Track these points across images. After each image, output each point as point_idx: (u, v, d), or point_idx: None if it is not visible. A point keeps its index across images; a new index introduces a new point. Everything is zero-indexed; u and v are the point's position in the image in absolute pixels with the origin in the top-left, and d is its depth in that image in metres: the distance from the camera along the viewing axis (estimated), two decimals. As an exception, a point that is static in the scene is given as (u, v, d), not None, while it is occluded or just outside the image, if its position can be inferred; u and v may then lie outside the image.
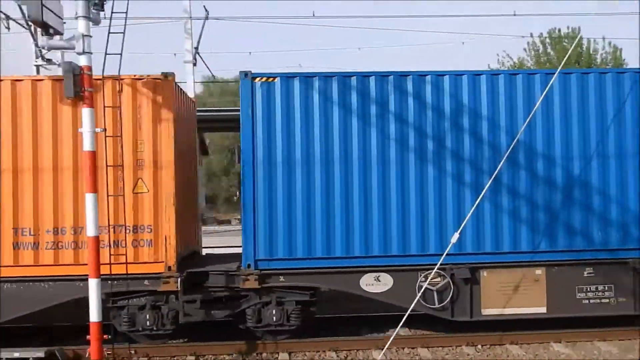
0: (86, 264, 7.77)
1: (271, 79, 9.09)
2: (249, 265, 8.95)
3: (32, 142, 8.72)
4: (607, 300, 9.44)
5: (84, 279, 7.84)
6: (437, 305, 9.16)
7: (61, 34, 7.73)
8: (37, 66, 13.41)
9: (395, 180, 9.12)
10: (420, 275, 9.17)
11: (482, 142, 9.17)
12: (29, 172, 8.73)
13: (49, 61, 12.60)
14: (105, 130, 8.10)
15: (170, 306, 8.93)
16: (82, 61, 7.51)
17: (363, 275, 9.17)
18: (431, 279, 9.11)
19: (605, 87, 9.41)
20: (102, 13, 7.68)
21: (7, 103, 8.77)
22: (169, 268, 8.80)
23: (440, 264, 8.64)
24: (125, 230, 8.66)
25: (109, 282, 8.63)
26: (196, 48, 15.68)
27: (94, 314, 7.57)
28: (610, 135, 9.38)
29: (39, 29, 8.93)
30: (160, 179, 8.82)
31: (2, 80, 8.75)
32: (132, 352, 8.79)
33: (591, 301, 9.43)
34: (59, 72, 11.54)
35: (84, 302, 7.98)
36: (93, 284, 7.57)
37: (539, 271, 9.37)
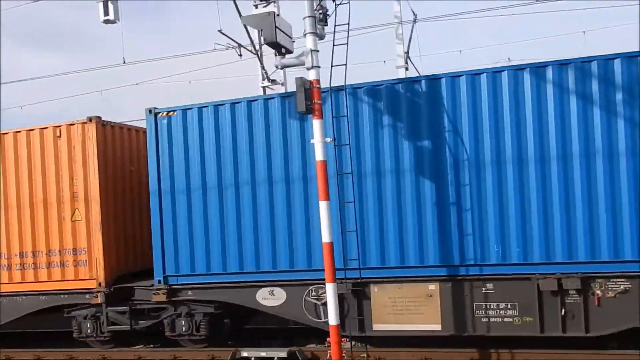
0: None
1: (172, 112, 10.16)
2: (159, 281, 10.13)
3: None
4: (511, 320, 8.57)
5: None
6: (324, 319, 9.28)
7: (291, 52, 8.36)
8: (264, 87, 15.00)
9: (281, 200, 9.48)
10: (311, 289, 9.41)
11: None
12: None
13: (273, 82, 14.45)
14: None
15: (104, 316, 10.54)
16: (311, 75, 7.95)
17: (258, 290, 9.71)
18: (320, 294, 9.29)
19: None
20: (325, 28, 8.25)
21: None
22: (99, 284, 10.41)
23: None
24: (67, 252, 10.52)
25: (61, 296, 10.58)
26: (406, 52, 15.85)
27: (333, 318, 8.00)
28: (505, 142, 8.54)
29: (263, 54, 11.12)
30: (90, 209, 10.48)
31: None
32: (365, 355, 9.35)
33: (491, 320, 8.65)
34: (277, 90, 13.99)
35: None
36: (330, 288, 8.02)
37: (432, 286, 8.91)
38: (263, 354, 9.68)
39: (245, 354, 9.78)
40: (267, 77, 14.83)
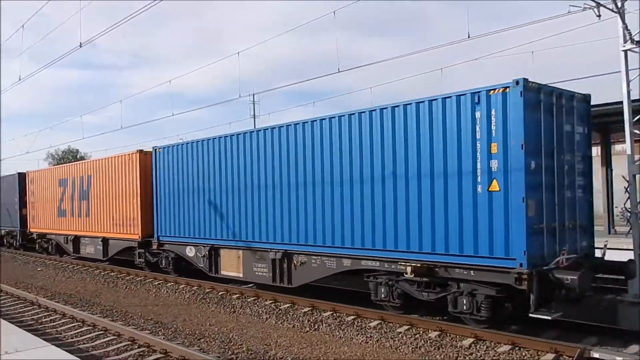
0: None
1: (158, 149, 19.04)
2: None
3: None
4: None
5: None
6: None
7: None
8: (625, 51, 12.38)
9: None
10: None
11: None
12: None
13: (638, 43, 12.12)
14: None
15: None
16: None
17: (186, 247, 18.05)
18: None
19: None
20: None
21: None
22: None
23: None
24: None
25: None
26: None
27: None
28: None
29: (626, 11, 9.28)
30: (144, 200, 20.18)
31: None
32: None
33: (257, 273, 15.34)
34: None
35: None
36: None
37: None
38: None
39: (596, 355, 8.39)
40: (631, 37, 12.38)
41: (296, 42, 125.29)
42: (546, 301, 9.54)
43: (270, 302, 13.93)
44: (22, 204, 30.09)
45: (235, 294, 15.36)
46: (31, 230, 29.03)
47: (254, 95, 52.13)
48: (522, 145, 9.37)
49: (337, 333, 11.02)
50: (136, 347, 10.31)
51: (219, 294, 15.56)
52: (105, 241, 22.10)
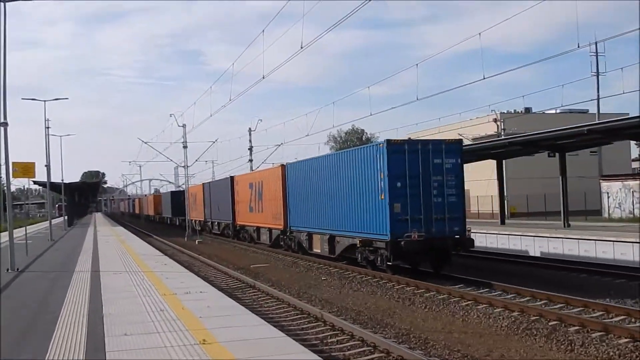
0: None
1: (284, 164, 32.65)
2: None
3: None
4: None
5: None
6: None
7: None
8: None
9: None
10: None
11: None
12: None
13: None
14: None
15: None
16: None
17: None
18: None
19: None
20: None
21: None
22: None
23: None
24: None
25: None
26: None
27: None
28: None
29: None
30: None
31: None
32: None
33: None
34: None
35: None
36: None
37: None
38: None
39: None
40: None
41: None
42: (398, 256, 20.90)
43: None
44: (233, 201, 46.18)
45: (574, 325, 13.75)
46: (237, 223, 45.01)
47: (596, 43, 45.39)
48: (387, 174, 20.81)
49: None
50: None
51: (549, 323, 14.10)
52: (270, 231, 36.42)
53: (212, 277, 24.45)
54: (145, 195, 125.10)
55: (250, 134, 65.24)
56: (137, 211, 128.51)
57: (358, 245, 23.42)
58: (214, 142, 70.35)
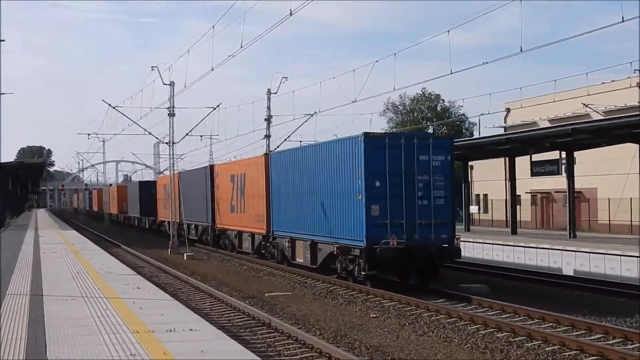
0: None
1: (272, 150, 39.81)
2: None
3: None
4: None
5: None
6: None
7: None
8: None
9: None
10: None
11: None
12: None
13: None
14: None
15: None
16: None
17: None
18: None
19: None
20: None
21: None
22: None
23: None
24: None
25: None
26: None
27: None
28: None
29: None
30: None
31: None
32: None
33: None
34: None
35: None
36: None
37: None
38: None
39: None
40: None
41: None
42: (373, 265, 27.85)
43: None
44: (213, 198, 52.64)
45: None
46: (217, 226, 51.87)
47: None
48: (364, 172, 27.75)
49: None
50: None
51: None
52: (252, 236, 43.43)
53: (207, 308, 25.88)
54: (111, 185, 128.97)
55: (268, 98, 65.97)
56: (95, 207, 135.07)
57: (335, 253, 30.43)
58: (214, 109, 62.14)
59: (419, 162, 28.32)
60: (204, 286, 31.52)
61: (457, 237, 28.97)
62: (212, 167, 54.48)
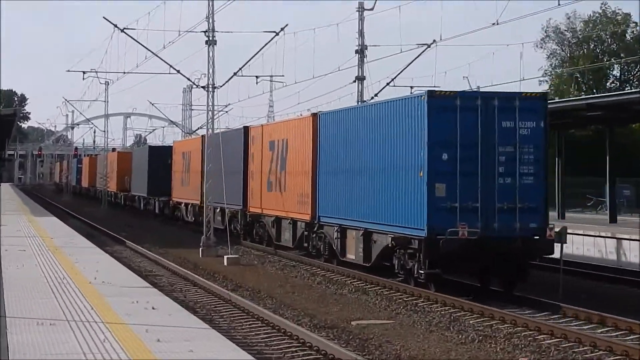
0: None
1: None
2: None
3: None
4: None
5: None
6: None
7: None
8: None
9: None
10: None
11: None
12: None
13: None
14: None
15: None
16: None
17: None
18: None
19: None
20: None
21: None
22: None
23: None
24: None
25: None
26: None
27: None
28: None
29: None
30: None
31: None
32: None
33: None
34: None
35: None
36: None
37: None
38: None
39: None
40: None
41: None
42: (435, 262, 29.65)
43: None
44: (245, 172, 53.46)
45: None
46: (250, 210, 52.95)
47: None
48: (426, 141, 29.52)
49: None
50: None
51: None
52: (294, 224, 44.81)
53: (260, 343, 22.83)
54: (112, 150, 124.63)
55: (361, 19, 61.53)
56: (85, 182, 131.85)
57: (391, 245, 31.71)
58: (276, 35, 54.06)
59: (501, 129, 29.43)
60: (255, 307, 27.97)
61: (550, 226, 29.67)
62: (246, 129, 54.94)
